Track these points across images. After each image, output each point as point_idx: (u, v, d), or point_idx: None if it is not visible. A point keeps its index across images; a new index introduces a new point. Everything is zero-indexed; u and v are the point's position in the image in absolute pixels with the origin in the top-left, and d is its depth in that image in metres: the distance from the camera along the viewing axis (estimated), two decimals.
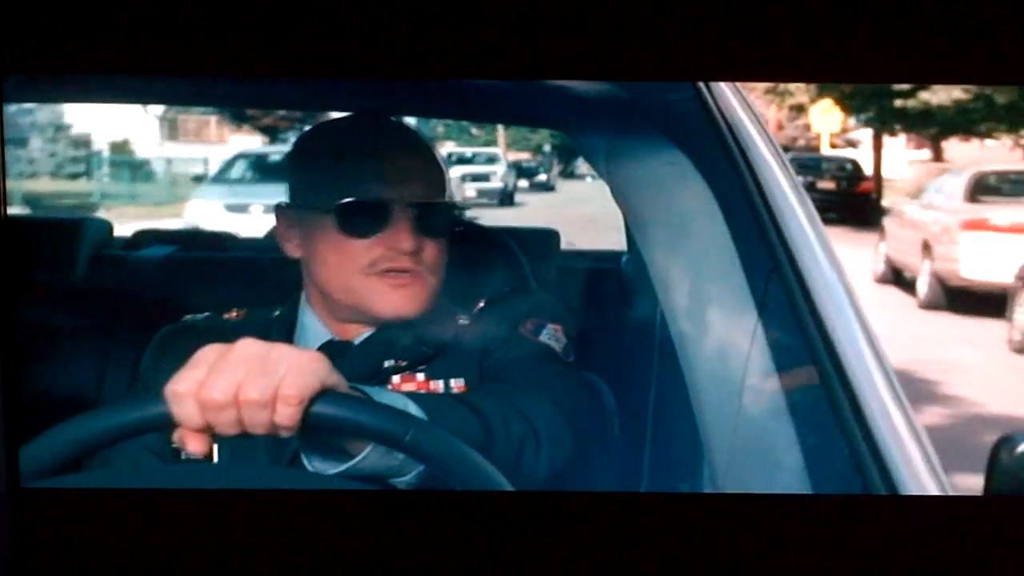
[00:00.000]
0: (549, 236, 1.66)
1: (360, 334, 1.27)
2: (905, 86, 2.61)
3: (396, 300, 1.23)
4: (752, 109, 1.35)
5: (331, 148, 1.28)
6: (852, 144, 3.51)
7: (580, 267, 1.71)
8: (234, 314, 1.33)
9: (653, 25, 1.09)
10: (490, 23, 1.08)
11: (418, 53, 1.09)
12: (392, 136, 1.30)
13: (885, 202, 3.76)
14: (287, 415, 0.93)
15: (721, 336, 1.23)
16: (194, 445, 0.95)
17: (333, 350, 1.20)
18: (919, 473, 1.14)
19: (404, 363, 1.24)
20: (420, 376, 1.24)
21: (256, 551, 1.15)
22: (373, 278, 1.22)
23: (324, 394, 0.94)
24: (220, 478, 1.13)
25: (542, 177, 2.05)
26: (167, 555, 1.14)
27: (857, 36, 1.07)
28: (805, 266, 1.23)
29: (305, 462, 1.01)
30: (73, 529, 1.14)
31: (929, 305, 3.61)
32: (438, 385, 1.24)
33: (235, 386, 0.93)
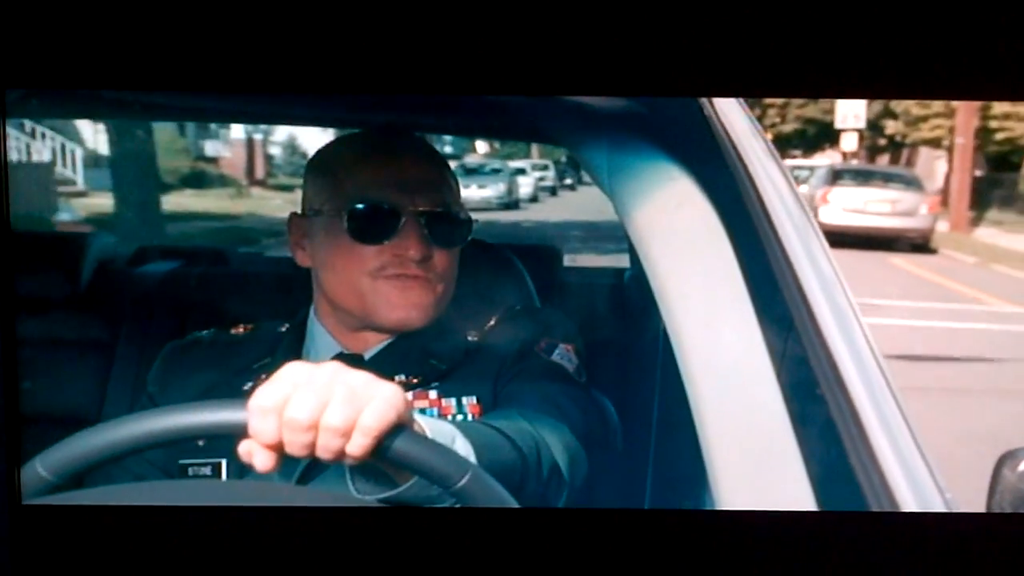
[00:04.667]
0: (551, 253, 1.66)
1: (371, 347, 1.27)
2: (777, 118, 3.53)
3: (402, 305, 1.23)
4: (755, 123, 1.35)
5: (347, 158, 1.29)
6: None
7: (582, 283, 1.71)
8: (241, 329, 1.33)
9: (658, 40, 1.09)
10: (493, 38, 1.08)
11: (420, 69, 1.09)
12: (405, 147, 1.31)
13: None
14: (361, 445, 0.93)
15: (724, 351, 1.23)
16: (261, 461, 0.95)
17: (344, 362, 1.20)
18: (923, 490, 1.15)
19: (416, 379, 1.24)
20: (433, 393, 1.24)
21: (264, 568, 1.14)
22: (380, 282, 1.22)
23: (397, 429, 0.94)
24: (228, 495, 1.12)
25: (568, 180, 2.99)
26: (173, 573, 1.14)
27: (861, 52, 1.08)
28: (807, 281, 1.24)
29: (350, 484, 1.01)
30: (76, 547, 1.13)
31: None
32: (451, 403, 1.23)
33: (320, 409, 0.92)
